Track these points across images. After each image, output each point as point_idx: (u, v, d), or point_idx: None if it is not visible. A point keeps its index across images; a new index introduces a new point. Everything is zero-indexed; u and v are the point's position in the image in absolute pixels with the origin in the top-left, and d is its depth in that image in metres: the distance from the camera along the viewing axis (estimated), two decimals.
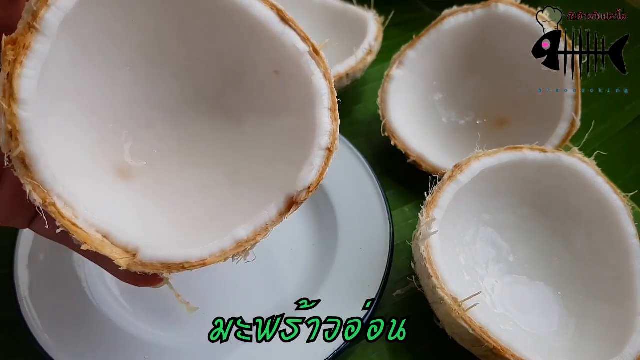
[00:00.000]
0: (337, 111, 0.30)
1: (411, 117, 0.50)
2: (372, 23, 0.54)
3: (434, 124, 0.51)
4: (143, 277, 0.27)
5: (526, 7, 0.46)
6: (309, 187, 0.28)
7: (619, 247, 0.38)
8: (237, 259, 0.28)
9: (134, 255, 0.25)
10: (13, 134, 0.22)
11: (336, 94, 0.30)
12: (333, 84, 0.30)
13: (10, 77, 0.21)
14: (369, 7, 0.56)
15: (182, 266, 0.26)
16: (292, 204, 0.28)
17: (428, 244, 0.35)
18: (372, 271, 0.39)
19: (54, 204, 0.23)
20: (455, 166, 0.39)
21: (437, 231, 0.36)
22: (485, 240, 0.42)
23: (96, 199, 0.27)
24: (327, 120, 0.29)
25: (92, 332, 0.37)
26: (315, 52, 0.29)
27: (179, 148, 0.34)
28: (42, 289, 0.38)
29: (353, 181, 0.45)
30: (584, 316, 0.38)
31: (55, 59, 0.25)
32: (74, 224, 0.24)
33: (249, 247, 0.28)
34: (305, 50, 0.29)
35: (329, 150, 0.29)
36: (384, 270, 0.39)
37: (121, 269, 0.25)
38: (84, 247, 0.24)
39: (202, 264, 0.26)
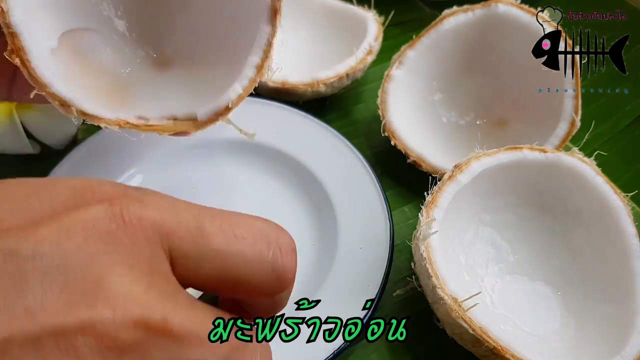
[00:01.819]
0: None
1: (411, 117, 0.50)
2: (372, 23, 0.54)
3: (434, 124, 0.51)
4: None
5: (526, 7, 0.46)
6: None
7: (618, 247, 0.38)
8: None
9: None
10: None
11: None
12: None
13: None
14: (369, 7, 0.56)
15: (82, 112, 0.29)
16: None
17: (428, 244, 0.35)
18: (372, 271, 0.39)
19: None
20: (455, 166, 0.39)
21: (437, 231, 0.36)
22: (485, 240, 0.42)
23: None
24: None
25: None
26: None
27: None
28: None
29: (353, 181, 0.45)
30: (584, 316, 0.38)
31: None
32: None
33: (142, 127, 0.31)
34: None
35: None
36: (384, 270, 0.39)
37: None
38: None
39: (94, 118, 0.29)
